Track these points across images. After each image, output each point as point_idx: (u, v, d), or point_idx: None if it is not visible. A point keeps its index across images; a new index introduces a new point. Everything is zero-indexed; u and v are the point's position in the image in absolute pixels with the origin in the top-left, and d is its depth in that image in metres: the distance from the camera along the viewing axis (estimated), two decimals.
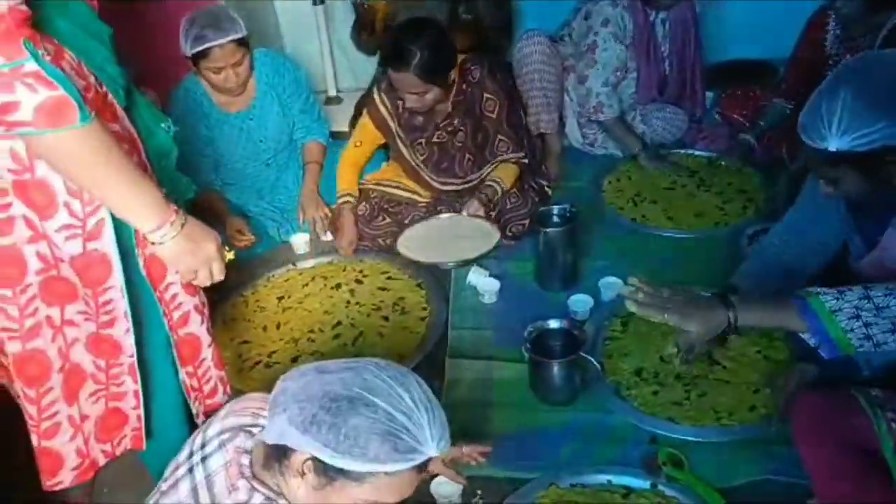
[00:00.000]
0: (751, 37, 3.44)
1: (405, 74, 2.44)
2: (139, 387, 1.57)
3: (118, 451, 1.64)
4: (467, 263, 2.52)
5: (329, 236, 2.85)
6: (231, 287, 2.64)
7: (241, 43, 2.60)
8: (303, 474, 1.20)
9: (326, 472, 1.19)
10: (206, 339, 1.69)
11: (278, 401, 1.21)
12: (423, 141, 2.70)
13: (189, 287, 1.58)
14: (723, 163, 3.06)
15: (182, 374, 1.67)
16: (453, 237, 2.58)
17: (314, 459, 1.18)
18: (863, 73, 1.66)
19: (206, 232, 1.45)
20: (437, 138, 2.69)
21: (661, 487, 1.79)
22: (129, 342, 1.51)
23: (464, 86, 2.63)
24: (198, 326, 1.66)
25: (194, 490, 1.26)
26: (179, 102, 2.74)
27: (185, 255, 1.42)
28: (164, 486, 1.32)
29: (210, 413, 1.63)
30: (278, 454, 1.23)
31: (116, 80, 1.43)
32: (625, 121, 3.12)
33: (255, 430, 1.32)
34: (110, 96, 1.40)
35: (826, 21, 2.73)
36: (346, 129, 3.43)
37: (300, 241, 2.80)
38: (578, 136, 3.22)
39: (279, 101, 2.86)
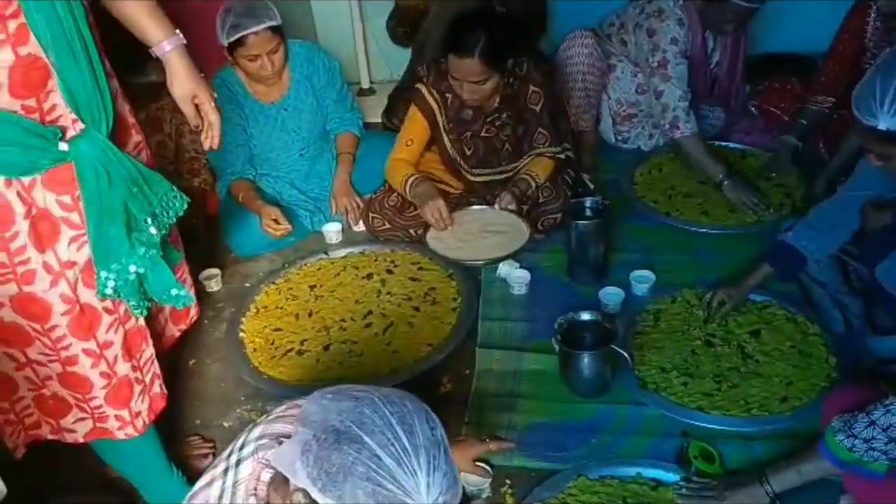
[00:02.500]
0: (787, 31, 3.39)
1: (469, 60, 2.42)
2: None
3: None
4: (496, 262, 2.52)
5: (361, 226, 2.87)
6: (264, 275, 2.68)
7: (277, 31, 2.62)
8: None
9: None
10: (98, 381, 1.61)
11: (296, 426, 1.12)
12: (469, 135, 2.69)
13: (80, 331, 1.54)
14: (779, 162, 2.96)
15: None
16: (483, 232, 2.59)
17: (304, 492, 1.08)
18: None
19: None
20: (485, 132, 2.69)
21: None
22: None
23: (511, 79, 2.61)
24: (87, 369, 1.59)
25: (222, 494, 1.24)
26: (215, 93, 2.77)
27: None
28: (205, 478, 1.29)
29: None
30: (284, 478, 1.14)
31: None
32: (705, 141, 2.90)
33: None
34: None
35: (866, 13, 2.68)
36: (378, 120, 3.45)
37: (332, 231, 2.82)
38: (612, 134, 3.21)
39: (313, 92, 2.88)
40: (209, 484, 1.27)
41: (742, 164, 3.02)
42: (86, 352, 1.56)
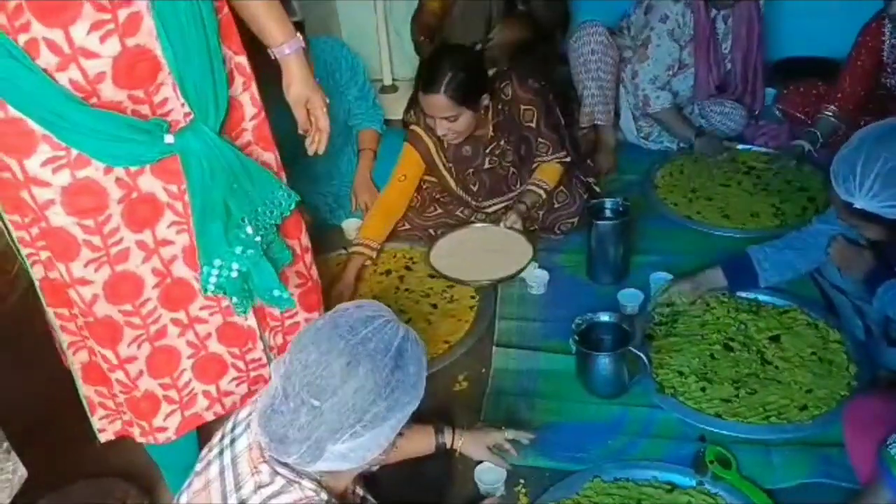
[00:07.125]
0: (812, 34, 3.36)
1: (436, 97, 2.40)
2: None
3: None
4: (496, 283, 2.50)
5: None
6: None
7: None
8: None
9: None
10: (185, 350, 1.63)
11: (322, 446, 1.21)
12: (472, 171, 2.68)
13: (170, 303, 1.56)
14: (781, 160, 2.95)
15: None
16: (486, 250, 2.58)
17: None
18: None
19: None
20: (489, 164, 2.67)
21: (706, 486, 1.77)
22: None
23: (499, 105, 2.59)
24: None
25: (222, 472, 1.28)
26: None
27: None
28: (198, 467, 1.34)
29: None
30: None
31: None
32: (678, 110, 3.06)
33: None
34: None
35: (882, 28, 2.64)
36: (400, 117, 3.45)
37: (352, 227, 2.82)
38: (633, 128, 3.18)
39: (335, 87, 2.88)
40: (206, 466, 1.32)
41: (766, 169, 2.99)
42: (174, 321, 1.56)
